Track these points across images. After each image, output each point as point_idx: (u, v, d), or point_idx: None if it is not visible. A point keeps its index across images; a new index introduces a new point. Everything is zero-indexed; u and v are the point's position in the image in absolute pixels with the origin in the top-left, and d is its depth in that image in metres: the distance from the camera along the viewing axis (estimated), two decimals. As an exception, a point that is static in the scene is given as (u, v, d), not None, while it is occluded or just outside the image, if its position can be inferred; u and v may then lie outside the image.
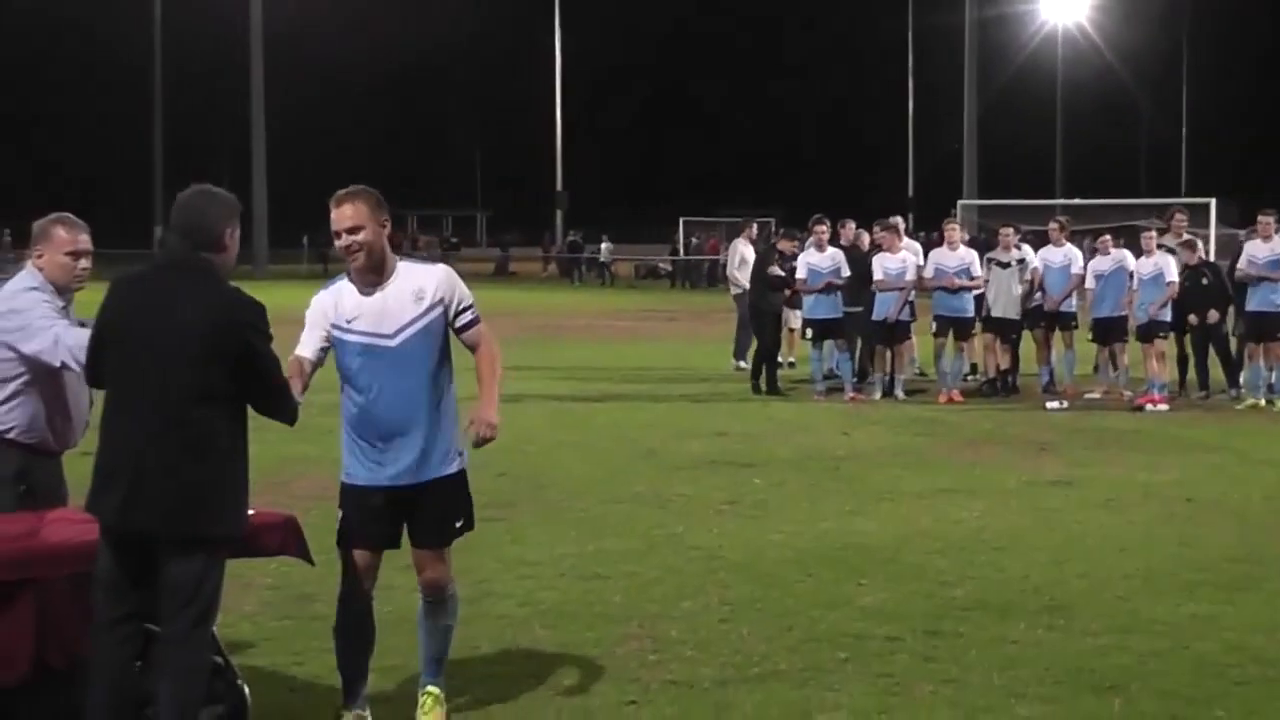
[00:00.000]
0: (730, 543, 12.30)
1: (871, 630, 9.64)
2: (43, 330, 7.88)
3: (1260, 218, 21.67)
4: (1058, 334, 23.11)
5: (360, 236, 7.49)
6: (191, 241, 6.83)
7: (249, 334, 6.81)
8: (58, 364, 7.88)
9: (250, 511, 7.99)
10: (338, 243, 7.55)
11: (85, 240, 8.29)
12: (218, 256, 6.88)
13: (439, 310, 7.60)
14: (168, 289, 6.87)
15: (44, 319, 7.91)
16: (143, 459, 6.70)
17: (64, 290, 8.19)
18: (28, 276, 8.18)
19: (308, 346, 7.64)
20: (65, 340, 7.83)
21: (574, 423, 19.91)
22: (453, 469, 7.69)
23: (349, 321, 7.57)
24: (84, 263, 8.28)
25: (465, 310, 7.70)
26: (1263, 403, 21.30)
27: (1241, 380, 22.00)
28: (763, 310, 23.57)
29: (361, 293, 7.59)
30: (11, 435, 8.03)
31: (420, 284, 7.59)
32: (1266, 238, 21.50)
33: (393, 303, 7.55)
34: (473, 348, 7.78)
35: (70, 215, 8.37)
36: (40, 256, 8.18)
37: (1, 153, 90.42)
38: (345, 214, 7.50)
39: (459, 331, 7.71)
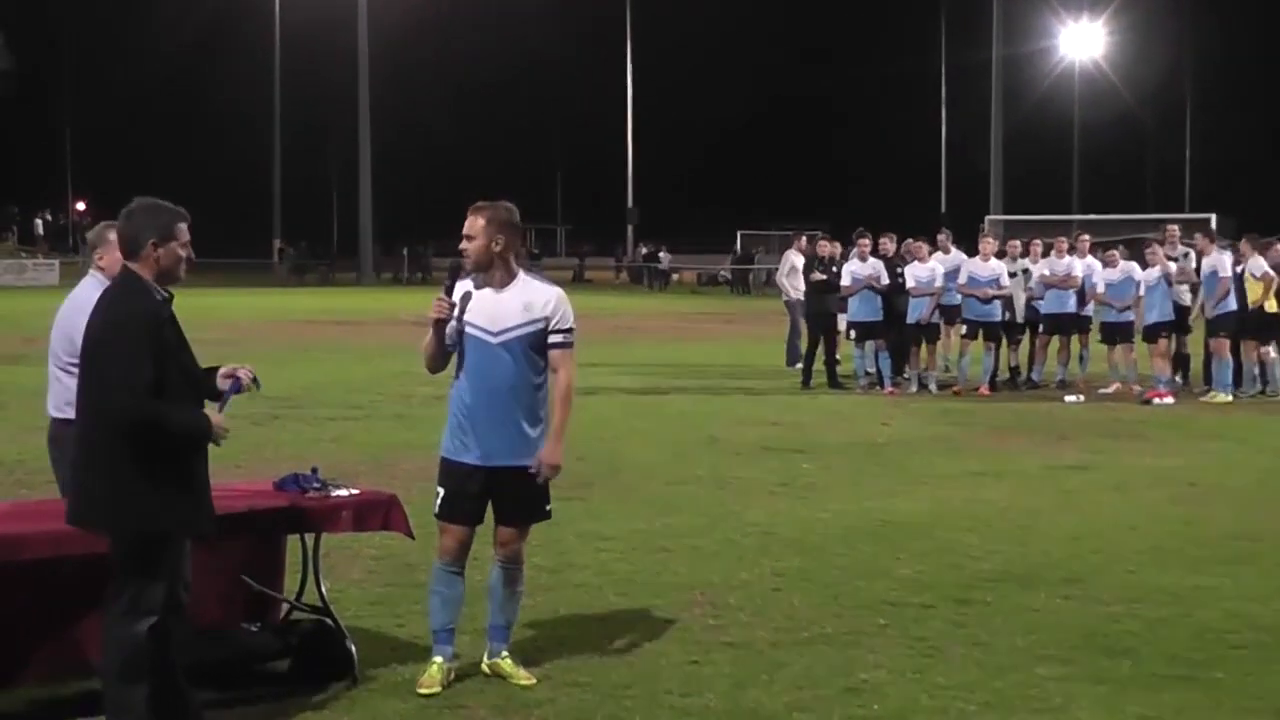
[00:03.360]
0: (782, 520, 12.27)
1: (908, 599, 9.60)
2: None
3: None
4: (1075, 335, 23.02)
5: (469, 245, 7.68)
6: (122, 251, 6.69)
7: (93, 343, 6.52)
8: None
9: (356, 491, 8.05)
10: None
11: None
12: (138, 264, 6.57)
13: (540, 325, 7.65)
14: (100, 297, 6.75)
15: None
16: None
17: None
18: (94, 282, 8.20)
19: (450, 325, 7.75)
20: None
21: (644, 412, 19.90)
22: (532, 461, 7.69)
23: (468, 313, 7.69)
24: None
25: (560, 332, 7.72)
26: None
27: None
28: (817, 313, 23.50)
29: (481, 291, 7.69)
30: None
31: (532, 299, 7.68)
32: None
33: (505, 307, 7.65)
34: (554, 369, 7.75)
35: (112, 221, 8.54)
36: (102, 259, 8.28)
37: (124, 166, 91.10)
38: (468, 223, 7.68)
39: (547, 347, 7.71)
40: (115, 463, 6.39)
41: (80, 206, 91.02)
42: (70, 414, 8.04)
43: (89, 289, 8.23)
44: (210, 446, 6.62)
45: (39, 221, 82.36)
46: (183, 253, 6.63)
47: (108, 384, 6.36)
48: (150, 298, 6.51)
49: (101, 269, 8.28)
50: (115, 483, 6.41)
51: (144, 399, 6.31)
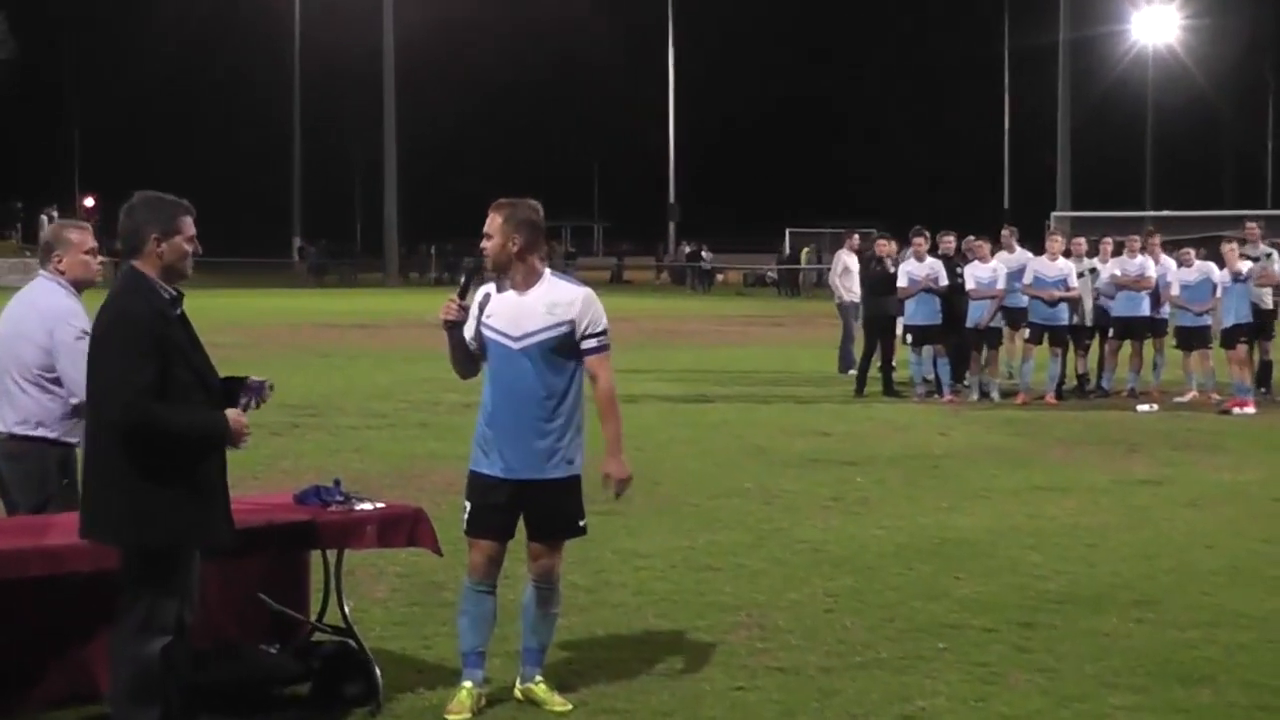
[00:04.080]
0: (834, 537, 12.26)
1: (968, 621, 9.58)
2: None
3: None
4: (1148, 340, 22.90)
5: (487, 244, 7.71)
6: (123, 249, 6.71)
7: (93, 344, 6.55)
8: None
9: (380, 505, 8.08)
10: None
11: (93, 238, 8.49)
12: (142, 261, 6.62)
13: (565, 329, 7.64)
14: (105, 298, 6.75)
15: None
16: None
17: (86, 286, 8.34)
18: (55, 288, 8.23)
19: (469, 329, 7.77)
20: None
21: (686, 421, 19.91)
22: (563, 474, 7.70)
23: (488, 316, 7.71)
24: (99, 258, 8.51)
25: (592, 336, 7.71)
26: None
27: None
28: (875, 316, 23.48)
29: (502, 293, 7.73)
30: (66, 438, 8.20)
31: (556, 300, 7.68)
32: None
33: (527, 309, 7.66)
34: (592, 377, 7.75)
35: (69, 219, 8.62)
36: (60, 260, 8.27)
37: (134, 161, 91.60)
38: (487, 221, 7.73)
39: (580, 352, 7.72)
40: (122, 471, 6.42)
41: (88, 203, 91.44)
42: (21, 430, 8.12)
43: (43, 292, 8.26)
44: (228, 454, 6.66)
45: (44, 218, 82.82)
46: (188, 247, 6.67)
47: (104, 386, 6.42)
48: (155, 296, 6.54)
49: (61, 271, 8.27)
50: (123, 492, 6.44)
51: (141, 401, 6.33)
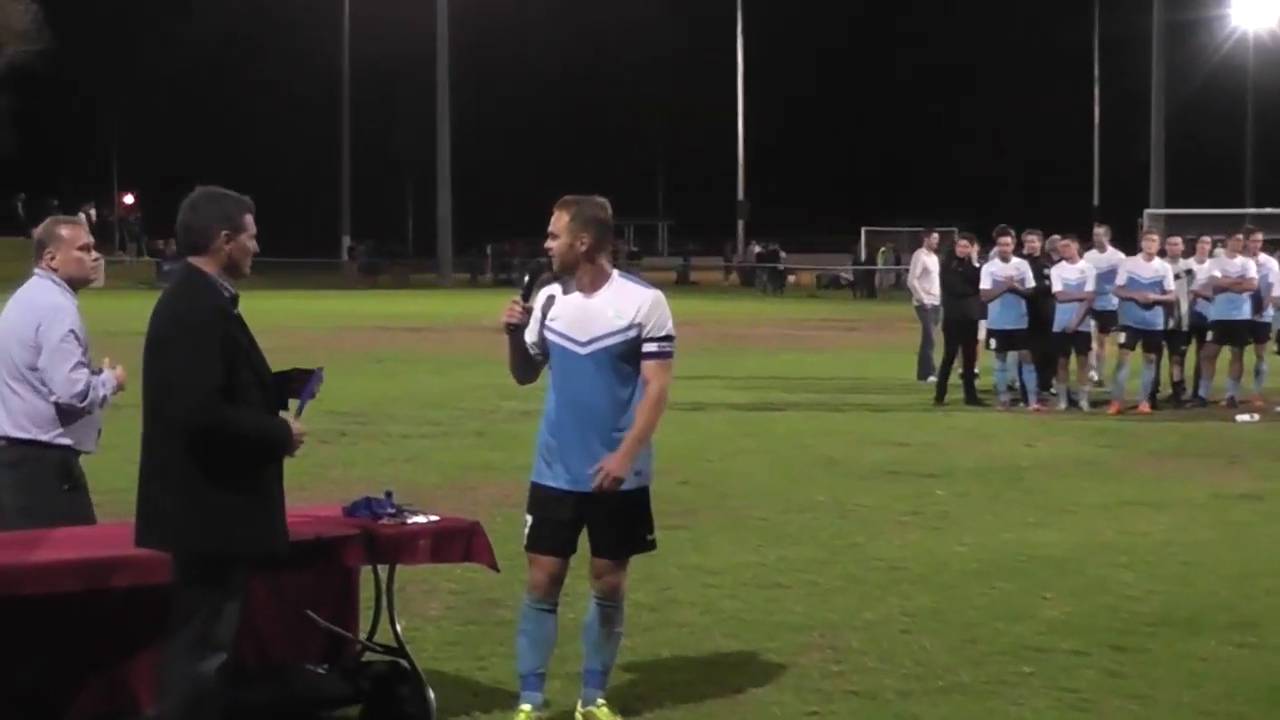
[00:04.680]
0: (912, 553, 12.22)
1: (1056, 644, 9.53)
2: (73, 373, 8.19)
3: None
4: (1249, 346, 22.74)
5: (553, 244, 7.70)
6: (184, 245, 6.76)
7: (157, 341, 6.57)
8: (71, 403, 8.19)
9: (434, 518, 8.10)
10: None
11: (88, 234, 8.54)
12: (204, 259, 6.66)
13: (633, 332, 7.63)
14: (161, 296, 6.83)
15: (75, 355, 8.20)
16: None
17: (81, 284, 8.41)
18: (49, 285, 8.30)
19: (531, 332, 7.77)
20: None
21: (755, 431, 19.89)
22: (630, 485, 7.67)
23: (552, 319, 7.71)
24: (94, 255, 8.56)
25: (655, 340, 7.66)
26: None
27: None
28: (956, 319, 23.40)
29: (568, 294, 7.72)
30: (59, 440, 8.26)
31: (624, 303, 7.66)
32: None
33: (593, 312, 7.65)
34: (646, 380, 7.69)
35: (62, 215, 8.68)
36: (53, 258, 8.34)
37: (175, 156, 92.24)
38: (553, 219, 7.72)
39: (641, 357, 7.69)
40: (184, 475, 6.48)
41: (128, 200, 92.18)
42: (15, 433, 8.18)
43: (36, 290, 8.33)
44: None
45: (82, 216, 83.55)
46: (251, 245, 6.76)
47: (172, 387, 6.45)
48: (218, 294, 6.62)
49: (54, 269, 8.33)
50: (185, 496, 6.49)
51: (212, 402, 6.40)
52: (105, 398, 8.32)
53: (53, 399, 8.15)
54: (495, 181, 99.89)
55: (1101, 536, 13.03)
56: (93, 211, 74.24)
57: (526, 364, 7.84)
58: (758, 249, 79.44)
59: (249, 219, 6.76)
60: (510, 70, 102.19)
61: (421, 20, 78.06)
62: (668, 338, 7.72)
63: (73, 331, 8.18)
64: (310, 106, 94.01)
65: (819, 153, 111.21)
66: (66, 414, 8.22)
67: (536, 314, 7.75)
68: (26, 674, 7.12)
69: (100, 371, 8.34)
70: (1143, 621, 10.13)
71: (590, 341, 7.64)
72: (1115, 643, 9.57)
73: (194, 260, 6.69)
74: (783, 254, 76.85)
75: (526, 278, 7.90)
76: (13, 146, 77.45)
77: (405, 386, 24.95)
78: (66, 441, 8.27)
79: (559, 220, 7.69)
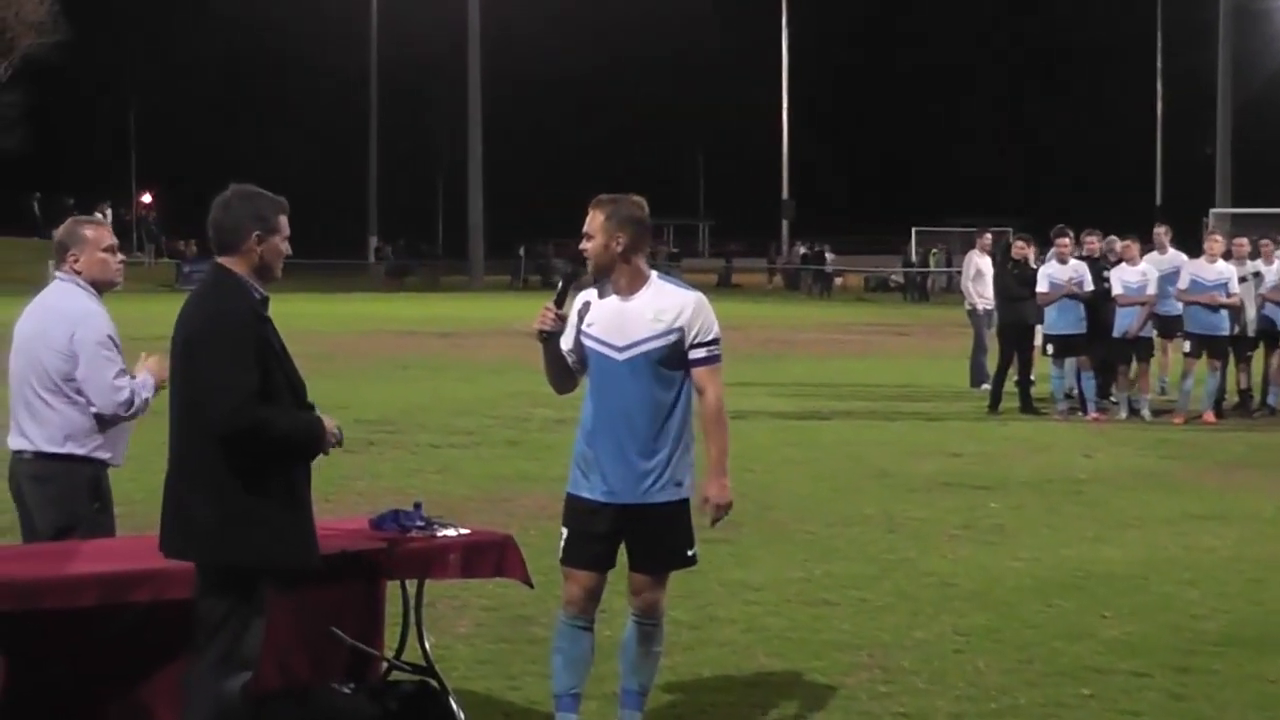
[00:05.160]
0: (965, 569, 12.21)
1: (1116, 665, 9.51)
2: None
3: None
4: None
5: (588, 245, 7.70)
6: (215, 245, 6.78)
7: (190, 344, 6.61)
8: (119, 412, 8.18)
9: (465, 531, 8.11)
10: None
11: (111, 234, 8.50)
12: (235, 259, 6.71)
13: (674, 337, 7.63)
14: (190, 298, 6.85)
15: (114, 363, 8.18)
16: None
17: (106, 287, 8.35)
18: (74, 289, 8.25)
19: (567, 339, 7.77)
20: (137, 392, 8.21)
21: (801, 441, 19.88)
22: (670, 497, 7.68)
23: (589, 325, 7.71)
24: (119, 256, 8.49)
25: (702, 345, 7.67)
26: None
27: None
28: (1011, 324, 23.33)
29: (604, 298, 7.73)
30: (96, 454, 8.22)
31: (664, 306, 7.65)
32: None
33: (631, 316, 7.65)
34: (699, 390, 7.69)
35: (84, 216, 8.62)
36: (76, 260, 8.28)
37: (196, 154, 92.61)
38: (588, 219, 7.72)
39: (688, 363, 7.69)
40: (219, 483, 6.52)
41: (146, 199, 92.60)
42: (48, 447, 8.10)
43: (61, 294, 8.27)
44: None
45: (99, 216, 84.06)
46: (284, 248, 6.80)
47: (210, 390, 6.47)
48: (248, 295, 6.67)
49: (77, 272, 8.27)
50: (219, 506, 6.52)
51: (249, 406, 6.44)
52: (147, 401, 8.24)
53: (94, 410, 8.09)
54: (529, 180, 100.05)
55: (1164, 552, 12.99)
56: (109, 211, 74.59)
57: (564, 373, 7.83)
58: (803, 250, 79.39)
59: (283, 220, 6.80)
60: (545, 64, 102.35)
61: (453, 10, 78.23)
62: (715, 341, 7.73)
63: (110, 337, 8.14)
64: (336, 101, 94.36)
65: (867, 149, 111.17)
66: (104, 423, 8.16)
67: (572, 320, 7.74)
68: (45, 692, 7.15)
69: (134, 377, 8.29)
70: (1208, 641, 10.09)
71: (628, 347, 7.63)
72: (1179, 664, 9.54)
73: (224, 260, 6.73)
74: (829, 255, 76.78)
75: (560, 282, 7.90)
76: (26, 143, 77.83)
77: (434, 394, 24.98)
78: (104, 455, 8.23)
79: (594, 220, 7.69)
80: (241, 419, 6.41)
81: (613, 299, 7.71)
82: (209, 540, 6.56)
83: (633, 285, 7.70)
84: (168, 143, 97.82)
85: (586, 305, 7.74)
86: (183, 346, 6.62)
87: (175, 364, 6.68)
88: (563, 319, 7.70)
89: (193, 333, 6.60)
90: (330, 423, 6.72)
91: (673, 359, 7.65)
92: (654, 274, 7.78)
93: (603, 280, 7.74)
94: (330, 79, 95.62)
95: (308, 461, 6.74)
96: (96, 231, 8.39)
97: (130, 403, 8.12)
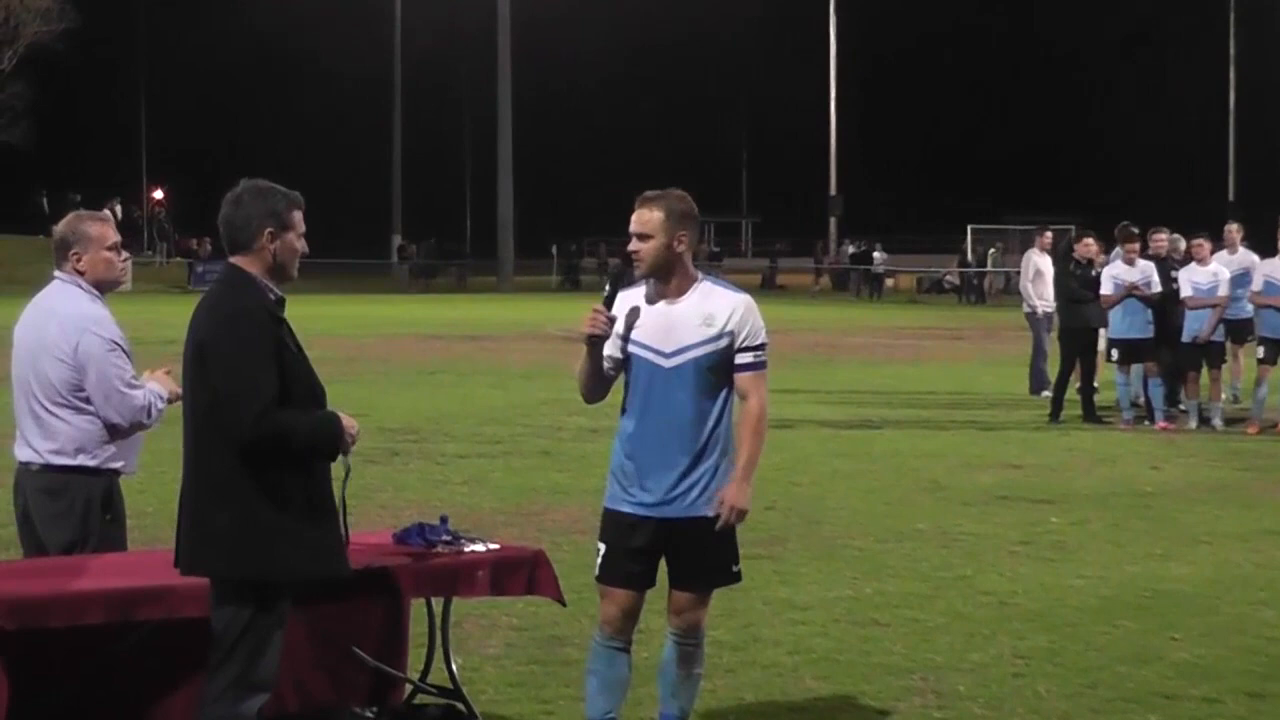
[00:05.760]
0: (1025, 587, 12.17)
1: (1186, 690, 9.47)
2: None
3: None
4: None
5: (643, 245, 7.64)
6: (226, 244, 6.79)
7: (205, 348, 6.61)
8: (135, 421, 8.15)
9: (494, 546, 8.12)
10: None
11: (116, 232, 8.41)
12: (248, 259, 6.74)
13: (725, 341, 7.62)
14: (202, 300, 6.86)
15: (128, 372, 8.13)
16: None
17: (110, 288, 8.28)
18: (75, 291, 8.17)
19: (609, 345, 7.74)
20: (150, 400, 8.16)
21: (850, 451, 19.86)
22: (716, 510, 7.64)
23: (634, 329, 7.69)
24: (123, 255, 8.43)
25: (749, 350, 7.66)
26: None
27: None
28: (1073, 328, 23.26)
29: (650, 302, 7.71)
30: (108, 464, 8.18)
31: (714, 309, 7.64)
32: None
33: (679, 321, 7.64)
34: (742, 395, 7.69)
35: (86, 211, 8.54)
36: (80, 259, 8.19)
37: (209, 148, 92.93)
38: (640, 218, 7.66)
39: (735, 369, 7.67)
40: (240, 492, 6.54)
41: (157, 194, 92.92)
42: (58, 460, 8.03)
43: (63, 297, 8.18)
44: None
45: (107, 212, 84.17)
46: (300, 245, 6.82)
47: (229, 395, 6.50)
48: (263, 295, 6.69)
49: (80, 271, 8.19)
50: (240, 517, 6.55)
51: (270, 410, 6.47)
52: (161, 411, 8.19)
53: (111, 421, 8.02)
54: (562, 174, 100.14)
55: (1237, 570, 12.93)
56: (119, 207, 74.93)
57: (599, 380, 7.81)
58: (852, 249, 79.34)
59: (298, 216, 6.82)
60: (578, 52, 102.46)
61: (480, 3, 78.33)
62: (762, 346, 7.72)
63: (116, 343, 8.08)
64: (358, 89, 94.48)
65: (920, 142, 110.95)
66: (119, 433, 8.11)
67: (617, 325, 7.70)
68: (51, 715, 7.18)
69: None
70: (1284, 665, 10.06)
71: (676, 353, 7.62)
72: (1253, 689, 9.50)
73: (236, 260, 6.75)
74: (880, 254, 76.67)
75: (608, 284, 7.85)
76: (31, 136, 78.10)
77: (462, 401, 25.02)
78: (116, 465, 8.19)
79: (649, 218, 7.63)
80: (263, 426, 6.44)
81: (660, 302, 7.70)
82: (230, 553, 6.58)
83: (681, 288, 7.69)
84: (181, 135, 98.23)
85: (634, 309, 7.71)
86: (195, 351, 6.64)
87: (188, 370, 6.70)
88: (612, 322, 7.68)
89: (206, 337, 6.62)
90: (347, 421, 6.73)
91: (722, 365, 7.63)
92: (701, 275, 7.76)
93: (652, 282, 7.73)
94: (352, 65, 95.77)
95: (328, 463, 6.76)
96: (101, 228, 8.30)
97: (149, 409, 8.07)
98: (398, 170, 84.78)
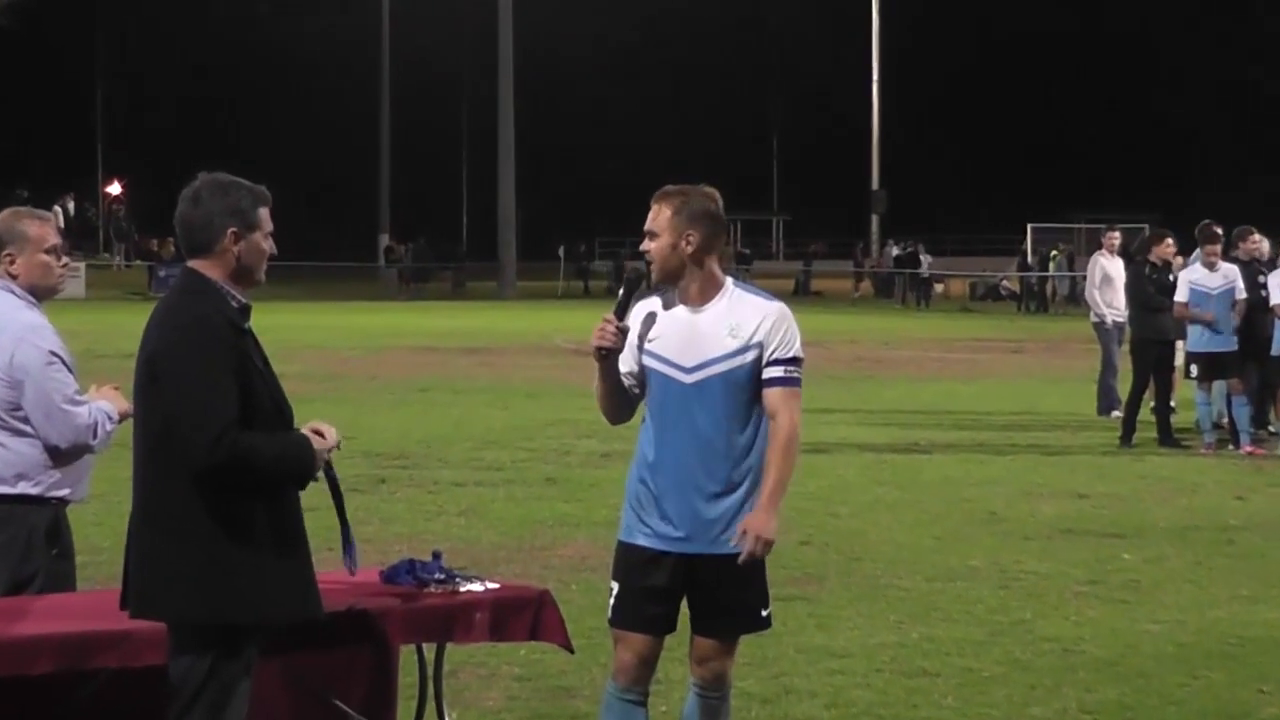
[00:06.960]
0: (1092, 633, 12.16)
1: (1276, 749, 9.46)
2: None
3: None
4: None
5: (652, 245, 7.68)
6: (185, 245, 6.78)
7: (157, 362, 6.60)
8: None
9: (493, 585, 8.10)
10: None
11: (56, 233, 8.38)
12: (208, 262, 6.71)
13: (752, 354, 7.61)
14: (156, 309, 6.84)
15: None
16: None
17: (47, 295, 8.24)
18: (7, 295, 8.11)
19: (625, 359, 7.74)
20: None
21: (895, 478, 19.85)
22: (735, 536, 7.63)
23: (651, 340, 7.69)
24: (62, 259, 8.37)
25: (780, 363, 7.63)
26: None
27: None
28: (1147, 340, 23.22)
29: (669, 309, 7.71)
30: (52, 493, 8.12)
31: (741, 319, 7.63)
32: None
33: (702, 331, 7.63)
34: (771, 414, 7.65)
35: (24, 209, 8.48)
36: (13, 262, 8.15)
37: (175, 138, 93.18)
38: (651, 215, 7.70)
39: (763, 383, 7.64)
40: (197, 526, 6.52)
41: (115, 189, 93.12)
42: (6, 489, 7.97)
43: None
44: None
45: (59, 210, 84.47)
46: (267, 246, 6.81)
47: (183, 417, 6.48)
48: (224, 303, 6.67)
49: (13, 275, 8.16)
50: (198, 553, 6.52)
51: (231, 433, 6.44)
52: (110, 433, 8.12)
53: (51, 442, 7.97)
54: (572, 168, 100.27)
55: (1334, 614, 12.92)
56: (71, 204, 75.20)
57: (620, 398, 7.79)
58: (896, 251, 79.34)
59: (264, 214, 6.80)
60: (588, 34, 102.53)
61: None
62: (796, 360, 7.68)
63: (56, 354, 8.04)
64: (342, 74, 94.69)
65: (972, 132, 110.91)
66: (62, 456, 8.07)
67: (632, 336, 7.70)
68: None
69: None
70: (1387, 721, 10.04)
71: (698, 367, 7.61)
72: (1352, 748, 9.49)
73: (195, 264, 6.74)
74: (928, 257, 76.73)
75: (621, 290, 7.83)
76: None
77: (458, 422, 25.04)
78: (62, 493, 8.14)
79: (658, 215, 7.66)
80: (222, 450, 6.41)
81: (680, 310, 7.68)
82: (186, 594, 6.55)
83: (705, 294, 7.67)
84: (142, 124, 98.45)
85: (651, 317, 7.70)
86: (147, 366, 6.64)
87: (139, 388, 6.69)
88: (624, 332, 7.65)
89: (158, 350, 6.60)
90: (323, 443, 6.70)
91: (750, 380, 7.61)
92: (730, 281, 7.73)
93: (669, 287, 7.71)
94: (335, 46, 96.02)
95: (298, 490, 6.74)
96: (40, 228, 8.26)
97: (95, 429, 8.01)
98: (385, 160, 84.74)
